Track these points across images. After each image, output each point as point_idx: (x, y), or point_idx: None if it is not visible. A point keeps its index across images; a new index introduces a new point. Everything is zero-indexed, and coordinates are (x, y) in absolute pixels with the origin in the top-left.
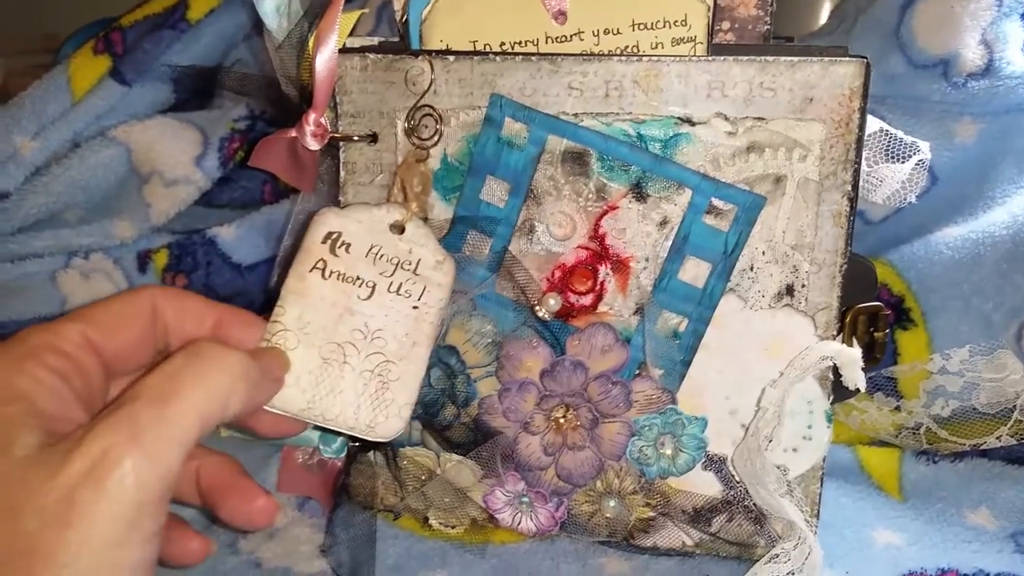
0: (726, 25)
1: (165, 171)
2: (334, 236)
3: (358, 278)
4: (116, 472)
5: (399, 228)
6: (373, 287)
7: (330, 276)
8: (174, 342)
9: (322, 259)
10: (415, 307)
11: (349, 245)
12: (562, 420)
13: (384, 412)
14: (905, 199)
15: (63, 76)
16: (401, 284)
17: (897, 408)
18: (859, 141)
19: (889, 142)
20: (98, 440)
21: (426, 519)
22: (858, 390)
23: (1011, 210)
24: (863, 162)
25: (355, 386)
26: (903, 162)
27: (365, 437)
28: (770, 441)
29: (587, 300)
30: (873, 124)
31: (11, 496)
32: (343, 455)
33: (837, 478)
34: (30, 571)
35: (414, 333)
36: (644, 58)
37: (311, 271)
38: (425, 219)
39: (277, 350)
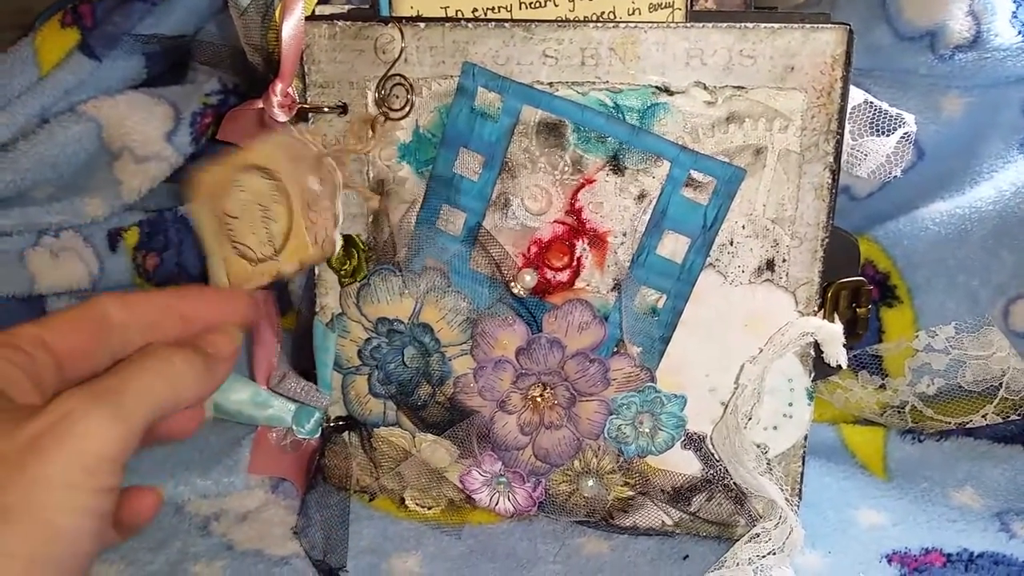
0: None
1: (136, 147)
2: None
3: None
4: (79, 425)
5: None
6: None
7: None
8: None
9: None
10: None
11: None
12: (539, 399)
13: None
14: (890, 173)
15: (29, 49)
16: None
17: (882, 386)
18: (841, 111)
19: (874, 114)
20: (63, 403)
21: (402, 500)
22: (840, 367)
23: (998, 185)
24: (847, 135)
25: None
26: (888, 135)
27: None
28: (749, 419)
29: (564, 276)
30: (857, 96)
31: None
32: (317, 435)
33: (821, 457)
34: None
35: None
36: (621, 24)
37: None
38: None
39: (226, 332)
